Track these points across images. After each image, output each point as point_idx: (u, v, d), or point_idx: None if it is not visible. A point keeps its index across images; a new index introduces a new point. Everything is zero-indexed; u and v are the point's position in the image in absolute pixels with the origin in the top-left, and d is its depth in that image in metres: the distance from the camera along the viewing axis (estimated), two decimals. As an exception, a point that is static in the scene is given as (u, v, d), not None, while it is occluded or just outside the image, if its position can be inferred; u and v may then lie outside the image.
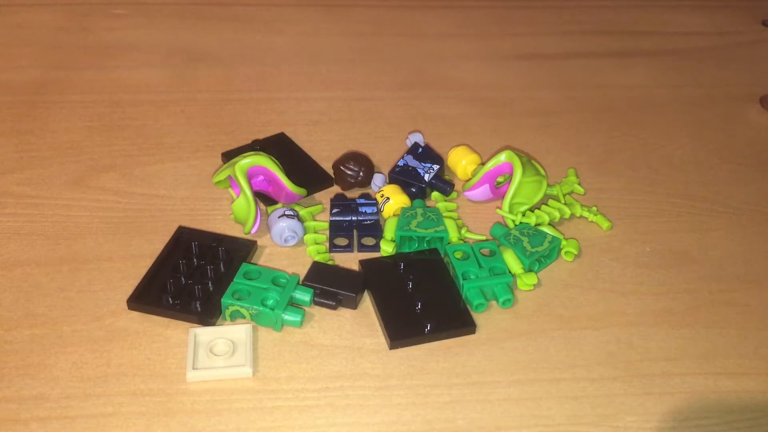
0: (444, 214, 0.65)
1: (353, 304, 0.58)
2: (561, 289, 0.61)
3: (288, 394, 0.52)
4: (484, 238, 0.65)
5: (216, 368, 0.53)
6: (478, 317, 0.58)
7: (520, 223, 0.65)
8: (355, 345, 0.56)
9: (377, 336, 0.56)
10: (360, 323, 0.57)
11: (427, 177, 0.67)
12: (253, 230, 0.63)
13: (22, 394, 0.51)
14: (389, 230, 0.63)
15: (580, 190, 0.71)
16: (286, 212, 0.63)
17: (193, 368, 0.52)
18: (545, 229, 0.64)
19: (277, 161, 0.64)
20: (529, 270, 0.61)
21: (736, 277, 0.64)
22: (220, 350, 0.54)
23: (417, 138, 0.72)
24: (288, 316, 0.56)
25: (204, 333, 0.55)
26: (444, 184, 0.68)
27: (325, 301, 0.57)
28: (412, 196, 0.67)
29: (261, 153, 0.64)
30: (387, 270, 0.60)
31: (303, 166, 0.71)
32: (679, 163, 0.76)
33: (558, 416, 0.52)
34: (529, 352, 0.56)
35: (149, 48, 0.90)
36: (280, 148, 0.73)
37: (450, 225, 0.63)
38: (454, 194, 0.69)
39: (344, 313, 0.58)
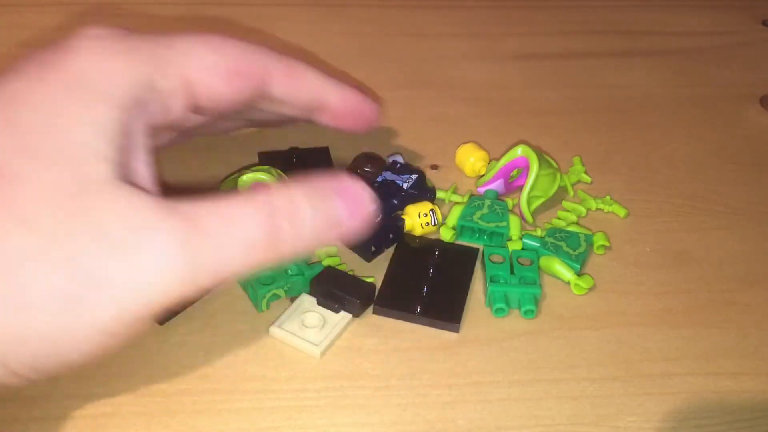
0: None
1: (357, 312, 0.57)
2: (561, 289, 0.61)
3: (288, 394, 0.52)
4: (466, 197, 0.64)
5: (294, 335, 0.54)
6: (478, 317, 0.58)
7: (548, 228, 0.64)
8: (355, 345, 0.56)
9: (377, 336, 0.56)
10: (360, 323, 0.57)
11: (405, 186, 0.66)
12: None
13: (22, 394, 0.51)
14: (452, 217, 0.64)
15: (587, 179, 0.71)
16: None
17: (279, 327, 0.54)
18: (573, 229, 0.64)
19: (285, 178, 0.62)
20: (580, 273, 0.61)
21: (736, 277, 0.64)
22: (309, 322, 0.55)
23: (397, 159, 0.71)
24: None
25: (309, 301, 0.57)
26: (425, 191, 0.67)
27: (328, 303, 0.57)
28: (394, 208, 0.66)
29: (269, 169, 0.62)
30: (421, 250, 0.62)
31: None
32: (679, 163, 0.76)
33: (558, 416, 0.52)
34: (529, 352, 0.56)
35: (149, 48, 0.90)
36: (317, 162, 0.69)
37: (513, 222, 0.63)
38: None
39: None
